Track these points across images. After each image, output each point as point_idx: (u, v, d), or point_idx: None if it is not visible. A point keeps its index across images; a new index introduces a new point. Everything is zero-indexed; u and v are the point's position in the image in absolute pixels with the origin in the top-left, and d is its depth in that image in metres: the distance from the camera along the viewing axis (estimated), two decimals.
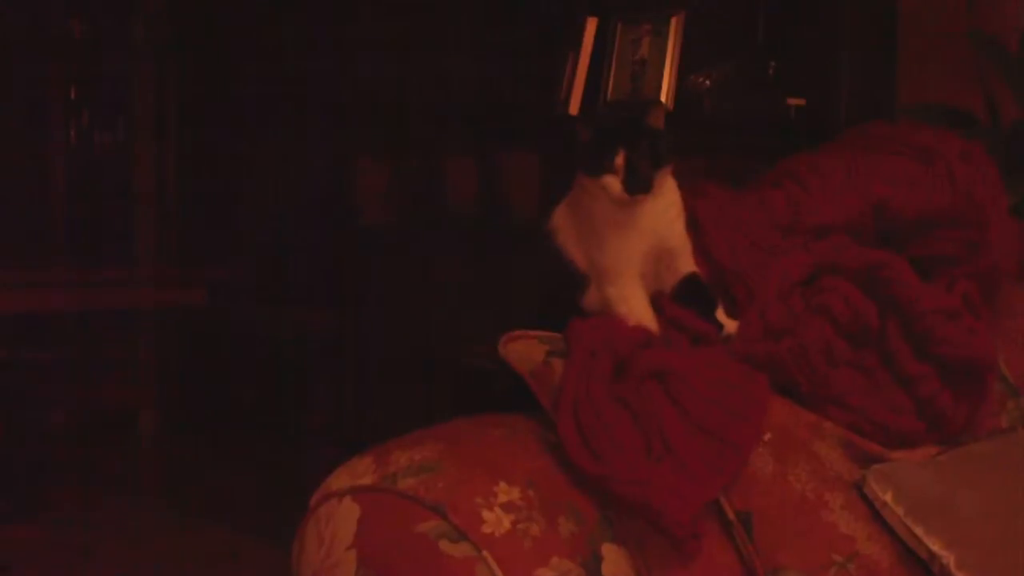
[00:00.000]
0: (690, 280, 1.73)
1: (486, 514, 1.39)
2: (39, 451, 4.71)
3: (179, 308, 5.05)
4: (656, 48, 2.99)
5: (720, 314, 1.74)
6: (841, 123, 2.89)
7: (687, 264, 1.74)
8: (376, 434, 1.57)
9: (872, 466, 1.63)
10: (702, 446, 1.52)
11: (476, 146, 4.10)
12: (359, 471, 1.46)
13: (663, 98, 2.92)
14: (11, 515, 4.20)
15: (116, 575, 3.78)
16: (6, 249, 4.76)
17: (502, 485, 1.43)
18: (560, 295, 1.72)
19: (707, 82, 2.96)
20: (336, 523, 1.42)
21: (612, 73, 3.08)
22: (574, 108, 3.17)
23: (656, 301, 1.72)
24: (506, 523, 1.39)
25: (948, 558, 1.55)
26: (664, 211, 1.70)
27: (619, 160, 1.62)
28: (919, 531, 1.56)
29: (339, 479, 1.46)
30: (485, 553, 1.36)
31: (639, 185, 1.63)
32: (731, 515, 1.52)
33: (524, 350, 1.61)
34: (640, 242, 1.69)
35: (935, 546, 1.55)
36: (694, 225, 1.80)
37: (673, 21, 2.96)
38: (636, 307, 1.68)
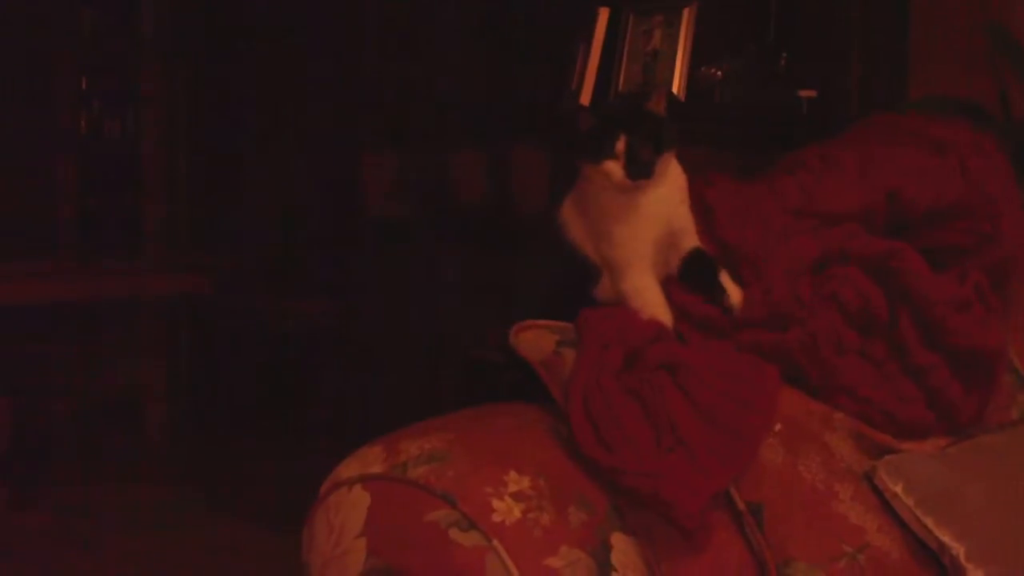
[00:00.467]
0: (694, 255, 1.73)
1: (496, 503, 1.39)
2: (44, 440, 4.72)
3: (187, 298, 5.05)
4: (668, 39, 2.98)
5: (724, 278, 1.72)
6: (852, 116, 2.88)
7: (691, 240, 1.73)
8: (382, 425, 1.56)
9: (883, 457, 1.63)
10: (712, 438, 1.52)
11: (484, 139, 4.10)
12: (369, 460, 1.46)
13: (675, 89, 2.91)
14: (15, 503, 4.21)
15: (120, 565, 3.78)
16: (15, 238, 4.76)
17: (512, 474, 1.43)
18: (571, 287, 1.71)
19: (719, 74, 2.96)
20: (346, 512, 1.42)
21: (624, 64, 3.08)
22: (585, 99, 3.17)
23: (665, 287, 1.72)
24: (516, 512, 1.39)
25: (958, 549, 1.55)
26: (669, 197, 1.70)
27: (620, 145, 1.61)
28: (929, 522, 1.56)
29: (349, 468, 1.46)
30: (495, 542, 1.36)
31: (640, 170, 1.62)
32: (741, 506, 1.52)
33: (535, 340, 1.61)
34: (648, 230, 1.68)
35: (945, 537, 1.55)
36: (704, 211, 1.79)
37: (685, 12, 2.96)
38: (651, 300, 1.67)
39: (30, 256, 4.77)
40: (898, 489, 1.58)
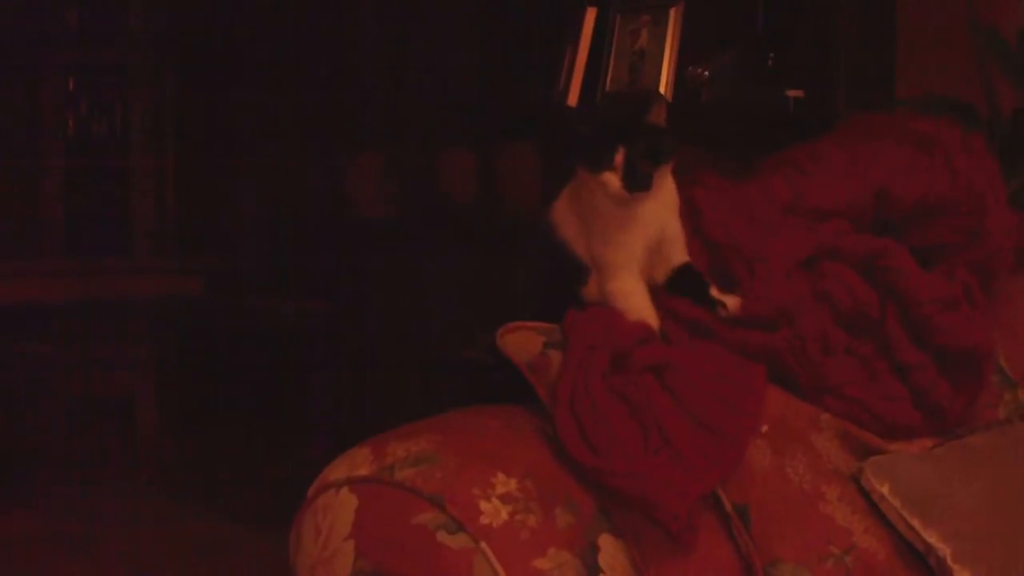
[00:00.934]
0: (683, 270, 1.73)
1: (484, 505, 1.39)
2: (35, 441, 4.71)
3: (177, 299, 5.04)
4: (655, 39, 2.99)
5: (715, 292, 1.72)
6: (839, 115, 2.89)
7: (680, 255, 1.73)
8: (373, 426, 1.56)
9: (869, 458, 1.63)
10: (699, 439, 1.52)
11: (474, 138, 4.10)
12: (357, 462, 1.45)
13: (662, 89, 2.92)
14: (7, 505, 4.20)
15: (111, 565, 3.78)
16: (3, 240, 4.75)
17: (500, 476, 1.42)
18: (560, 288, 1.71)
19: (705, 73, 2.96)
20: (334, 514, 1.41)
21: (611, 64, 3.08)
22: (573, 99, 3.17)
23: (652, 292, 1.72)
24: (504, 514, 1.39)
25: (945, 550, 1.55)
26: (664, 206, 1.70)
27: (618, 158, 1.60)
28: (916, 523, 1.56)
29: (337, 470, 1.46)
30: (483, 544, 1.36)
31: (638, 183, 1.61)
32: (728, 507, 1.52)
33: (521, 342, 1.61)
34: (642, 236, 1.68)
35: (932, 538, 1.56)
36: (692, 211, 1.79)
37: (672, 12, 2.96)
38: (637, 302, 1.67)
39: (18, 257, 4.76)
40: (885, 490, 1.58)
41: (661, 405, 1.53)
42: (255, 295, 5.18)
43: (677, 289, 1.71)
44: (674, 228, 1.72)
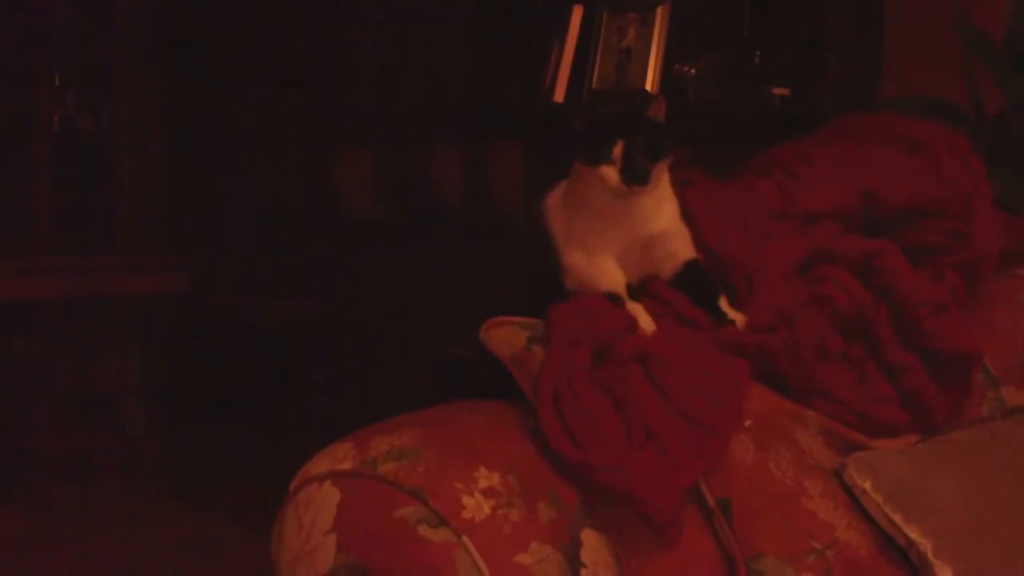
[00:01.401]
0: (690, 267, 1.73)
1: (466, 499, 1.39)
2: (23, 439, 4.70)
3: (165, 296, 5.03)
4: (641, 37, 2.99)
5: (724, 304, 1.72)
6: (826, 113, 2.90)
7: (686, 250, 1.73)
8: (359, 421, 1.56)
9: (852, 454, 1.63)
10: (683, 431, 1.52)
11: (462, 136, 4.09)
12: (339, 456, 1.45)
13: (648, 87, 2.92)
14: None
15: (98, 562, 3.77)
16: None
17: (482, 471, 1.42)
18: (546, 282, 1.71)
19: (692, 71, 2.97)
20: (316, 508, 1.41)
21: (597, 62, 3.08)
22: (559, 97, 3.17)
23: (649, 285, 1.72)
24: (486, 508, 1.39)
25: (926, 545, 1.55)
26: (661, 201, 1.70)
27: (617, 151, 1.61)
28: (898, 519, 1.57)
29: (319, 464, 1.46)
30: (465, 538, 1.36)
31: (637, 177, 1.62)
32: (711, 502, 1.53)
33: (505, 337, 1.61)
34: (630, 231, 1.68)
35: (913, 533, 1.56)
36: (685, 215, 1.80)
37: (659, 10, 2.97)
38: (605, 269, 1.67)
39: (5, 254, 4.75)
40: (867, 485, 1.58)
41: (645, 397, 1.53)
42: (244, 293, 5.17)
43: (683, 286, 1.71)
44: (674, 223, 1.72)
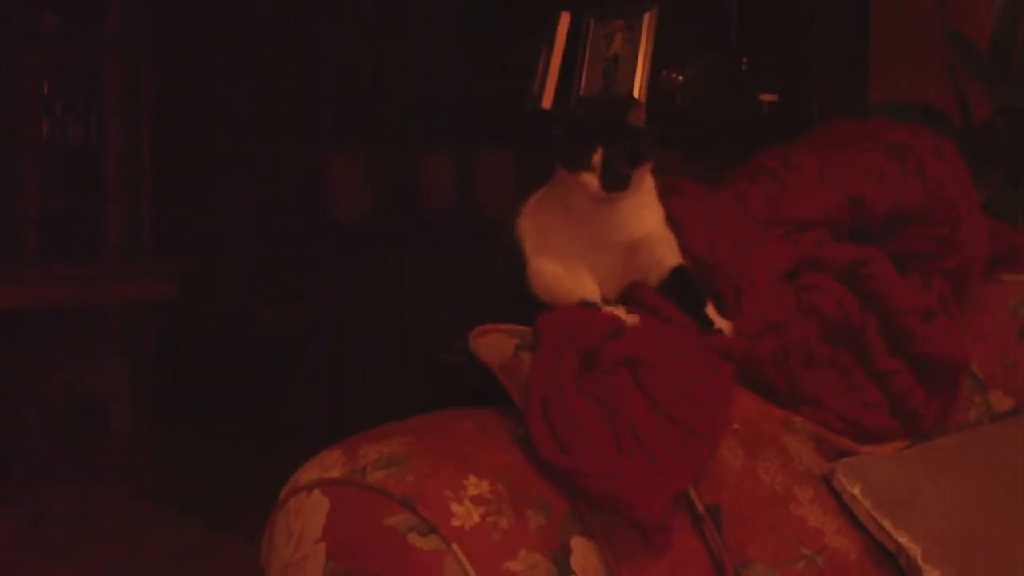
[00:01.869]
0: (677, 273, 1.73)
1: (455, 507, 1.39)
2: (12, 446, 4.69)
3: (152, 302, 5.03)
4: (629, 43, 2.99)
5: (711, 311, 1.72)
6: (813, 119, 2.91)
7: (672, 257, 1.73)
8: (350, 430, 1.56)
9: (841, 459, 1.64)
10: (671, 437, 1.52)
11: (453, 142, 4.10)
12: (328, 464, 1.45)
13: (635, 93, 2.93)
14: None
15: (87, 570, 3.76)
16: None
17: (471, 478, 1.42)
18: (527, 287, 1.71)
19: (680, 77, 2.98)
20: (305, 516, 1.41)
21: (585, 68, 3.09)
22: (547, 103, 3.18)
23: (635, 291, 1.72)
24: (475, 516, 1.39)
25: (915, 551, 1.56)
26: (643, 206, 1.70)
27: (596, 157, 1.62)
28: (887, 524, 1.57)
29: (308, 472, 1.46)
30: (454, 546, 1.36)
31: (616, 183, 1.63)
32: (700, 508, 1.53)
33: (494, 344, 1.61)
34: (611, 235, 1.69)
35: (902, 539, 1.56)
36: (671, 223, 1.80)
37: (646, 17, 2.97)
38: (580, 276, 1.67)
39: None
40: (856, 491, 1.59)
41: (634, 403, 1.53)
42: (230, 298, 5.17)
43: (670, 292, 1.72)
44: (659, 229, 1.72)
